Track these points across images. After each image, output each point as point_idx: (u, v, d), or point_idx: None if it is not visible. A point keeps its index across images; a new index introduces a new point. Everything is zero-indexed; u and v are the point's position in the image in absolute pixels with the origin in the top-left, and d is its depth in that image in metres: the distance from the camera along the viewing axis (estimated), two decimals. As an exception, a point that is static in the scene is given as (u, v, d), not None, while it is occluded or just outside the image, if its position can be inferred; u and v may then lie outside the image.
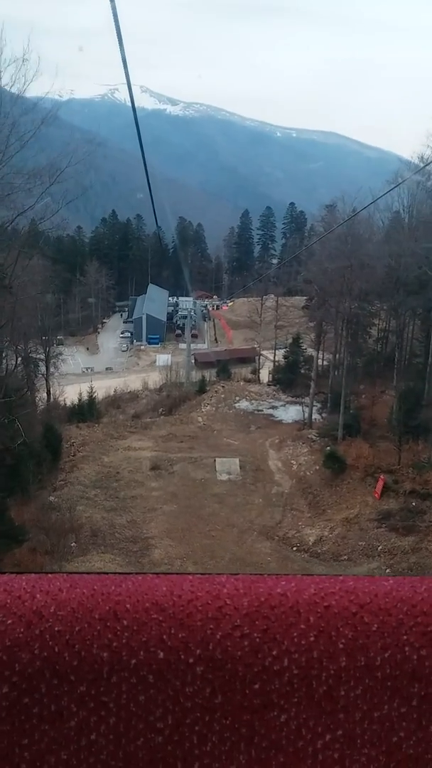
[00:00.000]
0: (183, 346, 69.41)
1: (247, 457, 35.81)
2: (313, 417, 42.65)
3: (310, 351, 50.06)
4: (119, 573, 0.84)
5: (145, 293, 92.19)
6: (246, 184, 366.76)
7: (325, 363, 48.70)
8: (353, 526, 28.65)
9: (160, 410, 47.83)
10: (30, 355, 41.70)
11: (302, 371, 50.76)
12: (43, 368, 44.73)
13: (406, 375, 41.40)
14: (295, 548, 28.14)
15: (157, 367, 66.55)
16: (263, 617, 0.76)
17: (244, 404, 47.09)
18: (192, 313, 75.31)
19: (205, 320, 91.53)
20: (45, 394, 43.77)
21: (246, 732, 0.74)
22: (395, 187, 46.02)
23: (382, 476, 30.36)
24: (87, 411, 42.85)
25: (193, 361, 63.87)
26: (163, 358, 70.83)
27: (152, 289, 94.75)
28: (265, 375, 56.34)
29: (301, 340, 53.54)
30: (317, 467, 34.08)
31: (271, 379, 54.20)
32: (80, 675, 0.73)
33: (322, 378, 45.58)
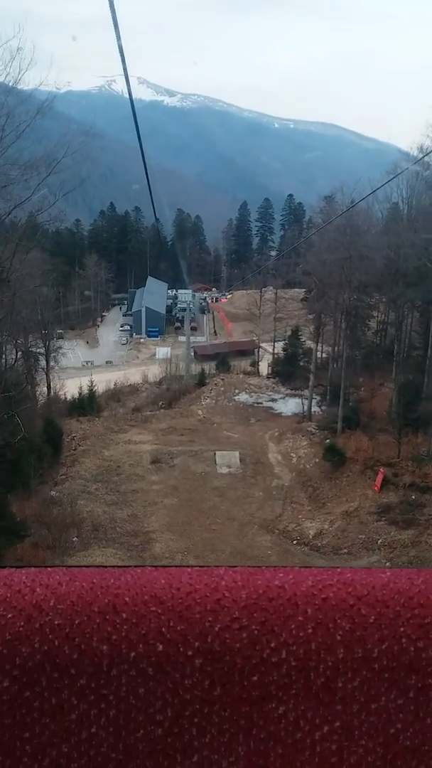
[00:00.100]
0: (182, 338, 69.35)
1: (247, 450, 35.85)
2: (313, 409, 42.67)
3: (309, 343, 50.00)
4: (118, 566, 0.84)
5: (144, 286, 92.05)
6: (244, 176, 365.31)
7: (324, 355, 48.70)
8: (353, 519, 28.72)
9: (160, 403, 47.82)
10: (30, 349, 41.67)
11: (301, 364, 50.74)
12: (43, 362, 44.71)
13: (406, 367, 41.35)
14: (295, 541, 28.23)
15: (157, 360, 66.53)
16: (261, 609, 0.76)
17: (243, 397, 47.11)
18: (191, 306, 75.17)
19: (204, 313, 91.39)
20: (45, 388, 43.75)
21: (245, 724, 0.74)
22: (394, 177, 45.84)
23: (381, 469, 30.39)
24: (87, 405, 42.85)
25: (192, 353, 63.83)
26: (162, 351, 70.78)
27: (151, 281, 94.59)
28: (264, 367, 56.33)
29: (300, 333, 53.46)
30: (317, 460, 34.14)
31: (270, 372, 54.17)
32: (80, 668, 0.74)
33: (322, 370, 45.57)
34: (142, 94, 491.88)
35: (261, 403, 46.19)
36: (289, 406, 45.19)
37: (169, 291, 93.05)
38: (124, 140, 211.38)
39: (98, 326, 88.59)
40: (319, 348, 48.06)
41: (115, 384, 54.12)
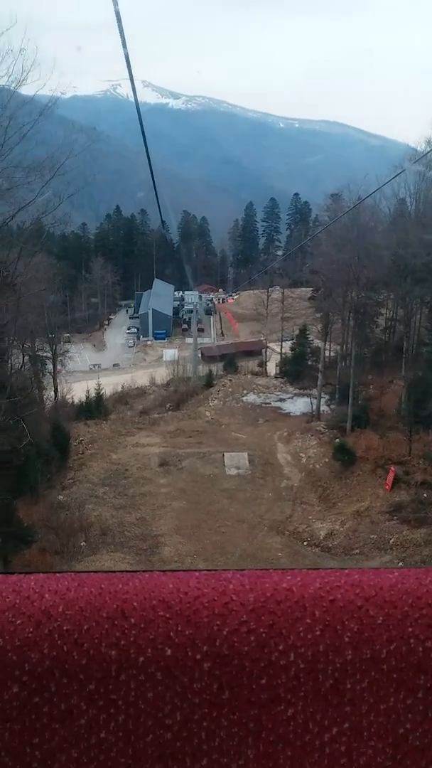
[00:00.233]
0: (189, 340, 69.10)
1: (256, 451, 35.54)
2: (322, 409, 42.29)
3: (317, 342, 49.63)
4: (126, 571, 0.84)
5: (151, 288, 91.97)
6: (249, 176, 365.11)
7: (332, 354, 48.28)
8: (364, 519, 28.34)
9: (168, 405, 47.60)
10: (37, 352, 41.67)
11: (309, 363, 50.32)
12: (50, 366, 44.74)
13: (415, 364, 40.93)
14: (305, 543, 27.89)
15: (164, 362, 66.34)
16: (269, 612, 0.76)
17: (251, 397, 46.80)
18: (197, 307, 74.93)
19: (210, 314, 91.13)
20: (53, 392, 43.76)
21: (253, 727, 0.75)
22: (401, 172, 45.52)
23: (392, 467, 30.00)
24: (95, 408, 42.74)
25: (199, 355, 63.57)
26: (169, 353, 70.54)
27: (158, 283, 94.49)
28: (272, 367, 55.97)
29: (307, 332, 53.07)
30: (326, 460, 33.77)
31: (278, 372, 53.82)
32: (89, 673, 0.74)
33: (330, 369, 45.15)
34: (147, 97, 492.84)
35: (269, 404, 45.86)
36: (298, 405, 44.83)
37: (176, 293, 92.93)
38: (129, 144, 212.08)
39: (105, 329, 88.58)
40: (327, 346, 47.66)
41: (122, 387, 53.99)
